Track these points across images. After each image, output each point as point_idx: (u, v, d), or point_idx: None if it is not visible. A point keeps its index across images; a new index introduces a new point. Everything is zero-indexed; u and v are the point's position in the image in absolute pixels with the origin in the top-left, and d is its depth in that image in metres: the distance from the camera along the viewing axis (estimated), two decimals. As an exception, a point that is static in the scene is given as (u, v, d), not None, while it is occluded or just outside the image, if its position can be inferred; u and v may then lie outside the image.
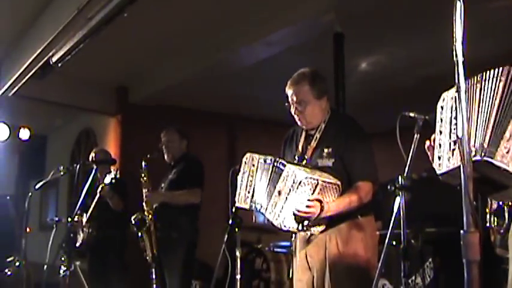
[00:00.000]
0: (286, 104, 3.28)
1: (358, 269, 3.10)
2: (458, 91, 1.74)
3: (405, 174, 2.72)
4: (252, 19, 5.92)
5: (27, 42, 6.69)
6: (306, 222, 2.92)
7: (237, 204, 3.19)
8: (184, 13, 5.99)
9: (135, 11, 5.06)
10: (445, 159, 2.00)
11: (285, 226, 2.88)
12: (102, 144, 8.81)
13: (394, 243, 3.82)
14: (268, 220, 2.99)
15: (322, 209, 2.90)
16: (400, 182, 2.70)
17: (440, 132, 2.05)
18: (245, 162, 3.21)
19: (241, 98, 8.57)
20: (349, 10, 5.40)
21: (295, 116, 3.28)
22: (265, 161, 3.09)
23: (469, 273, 1.66)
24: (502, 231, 3.24)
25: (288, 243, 6.67)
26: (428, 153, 2.19)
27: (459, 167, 1.85)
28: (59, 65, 6.16)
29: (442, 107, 2.10)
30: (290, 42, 6.03)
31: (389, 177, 3.34)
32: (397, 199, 2.74)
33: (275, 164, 3.02)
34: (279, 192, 2.90)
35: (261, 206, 3.02)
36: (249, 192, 3.12)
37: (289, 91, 3.27)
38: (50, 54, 6.04)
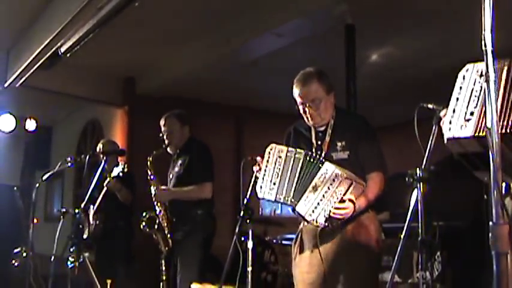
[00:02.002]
0: (297, 107, 3.30)
1: (372, 261, 3.19)
2: (487, 81, 1.72)
3: (423, 166, 2.68)
4: (262, 10, 5.89)
5: (36, 33, 6.65)
6: (334, 222, 2.97)
7: (260, 196, 3.13)
8: (194, 4, 5.96)
9: (143, 1, 5.02)
10: (457, 126, 2.02)
11: (316, 221, 2.92)
12: (109, 135, 8.80)
13: (402, 236, 3.81)
14: (294, 212, 3.01)
15: (354, 210, 2.98)
16: (418, 174, 2.67)
17: (457, 99, 2.07)
18: (269, 153, 3.15)
19: (250, 89, 8.56)
20: (361, 1, 5.38)
21: (307, 115, 3.27)
22: (296, 153, 3.07)
23: (498, 265, 1.64)
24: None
25: (294, 236, 6.67)
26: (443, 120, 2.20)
27: (470, 137, 1.94)
28: (68, 55, 6.12)
29: (464, 77, 2.12)
30: (301, 34, 6.00)
31: (398, 170, 3.33)
32: (415, 191, 2.71)
33: (312, 158, 3.02)
34: (315, 188, 2.92)
35: (287, 198, 3.00)
36: (274, 184, 3.07)
37: (297, 91, 3.26)
38: (59, 44, 6.00)
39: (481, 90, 2.00)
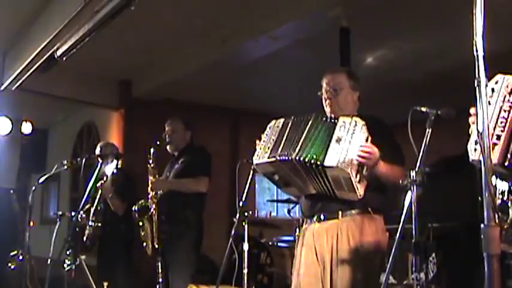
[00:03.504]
0: (319, 93, 3.33)
1: (368, 264, 3.10)
2: (478, 85, 1.73)
3: (417, 169, 2.71)
4: (257, 13, 5.92)
5: (32, 36, 6.65)
6: (365, 169, 2.93)
7: (255, 162, 3.13)
8: (190, 6, 5.98)
9: (140, 4, 5.03)
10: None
11: (351, 170, 2.85)
12: (105, 138, 8.79)
13: (396, 238, 3.84)
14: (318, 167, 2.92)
15: (378, 157, 2.94)
16: (412, 176, 2.69)
17: None
18: (270, 127, 3.23)
19: (245, 92, 8.58)
20: (356, 4, 5.40)
21: (327, 104, 3.30)
22: (295, 118, 3.11)
23: (490, 266, 1.66)
24: (505, 226, 3.24)
25: (290, 238, 6.69)
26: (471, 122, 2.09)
27: (495, 164, 1.86)
28: (64, 58, 6.12)
29: (492, 89, 2.01)
30: (296, 37, 6.02)
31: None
32: (409, 193, 2.73)
33: (324, 117, 3.05)
34: (338, 140, 2.90)
35: (299, 154, 2.95)
36: (268, 148, 3.09)
37: (324, 80, 3.34)
38: (55, 47, 6.00)
39: (510, 111, 1.91)
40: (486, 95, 1.73)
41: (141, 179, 5.03)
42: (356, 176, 2.90)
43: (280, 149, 3.05)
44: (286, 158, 3.00)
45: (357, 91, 3.35)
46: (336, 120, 2.99)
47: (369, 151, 2.89)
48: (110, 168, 5.05)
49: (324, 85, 3.32)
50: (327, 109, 3.31)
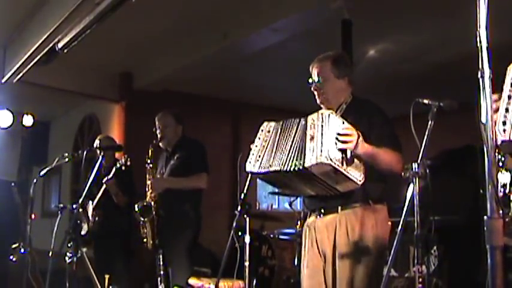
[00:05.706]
0: (310, 80, 3.29)
1: (367, 257, 3.08)
2: (482, 77, 1.72)
3: (419, 161, 2.70)
4: (259, 5, 5.91)
5: (33, 28, 6.63)
6: (349, 153, 2.84)
7: (248, 169, 3.10)
8: (191, -1, 5.98)
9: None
10: None
11: (331, 159, 2.77)
12: (106, 131, 8.80)
13: (398, 230, 3.83)
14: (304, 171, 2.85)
15: (359, 136, 2.85)
16: (414, 169, 2.68)
17: (509, 97, 1.94)
18: (262, 130, 3.16)
19: (247, 84, 8.58)
20: (358, -4, 5.41)
21: (315, 94, 3.29)
22: (282, 124, 3.05)
23: (493, 259, 1.66)
24: (507, 219, 3.24)
25: (292, 230, 6.69)
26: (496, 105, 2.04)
27: None
28: (65, 51, 6.12)
29: None
30: (297, 29, 6.02)
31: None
32: (411, 186, 2.72)
33: (294, 122, 2.98)
34: (312, 138, 2.83)
35: (286, 165, 2.90)
36: (259, 156, 3.05)
37: (311, 69, 3.30)
38: (56, 40, 6.00)
39: None
40: (490, 87, 1.72)
41: (143, 172, 5.02)
42: (342, 164, 2.83)
43: (271, 160, 2.99)
44: (277, 169, 2.94)
45: (345, 77, 3.26)
46: (305, 121, 2.92)
47: (347, 133, 2.82)
48: (118, 165, 5.05)
49: (312, 74, 3.29)
50: (317, 99, 3.30)
